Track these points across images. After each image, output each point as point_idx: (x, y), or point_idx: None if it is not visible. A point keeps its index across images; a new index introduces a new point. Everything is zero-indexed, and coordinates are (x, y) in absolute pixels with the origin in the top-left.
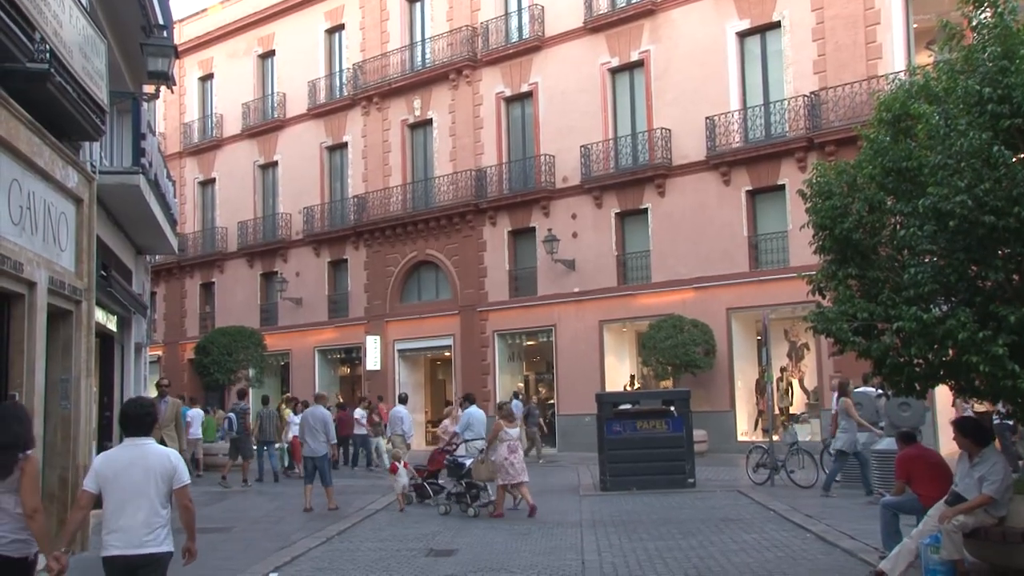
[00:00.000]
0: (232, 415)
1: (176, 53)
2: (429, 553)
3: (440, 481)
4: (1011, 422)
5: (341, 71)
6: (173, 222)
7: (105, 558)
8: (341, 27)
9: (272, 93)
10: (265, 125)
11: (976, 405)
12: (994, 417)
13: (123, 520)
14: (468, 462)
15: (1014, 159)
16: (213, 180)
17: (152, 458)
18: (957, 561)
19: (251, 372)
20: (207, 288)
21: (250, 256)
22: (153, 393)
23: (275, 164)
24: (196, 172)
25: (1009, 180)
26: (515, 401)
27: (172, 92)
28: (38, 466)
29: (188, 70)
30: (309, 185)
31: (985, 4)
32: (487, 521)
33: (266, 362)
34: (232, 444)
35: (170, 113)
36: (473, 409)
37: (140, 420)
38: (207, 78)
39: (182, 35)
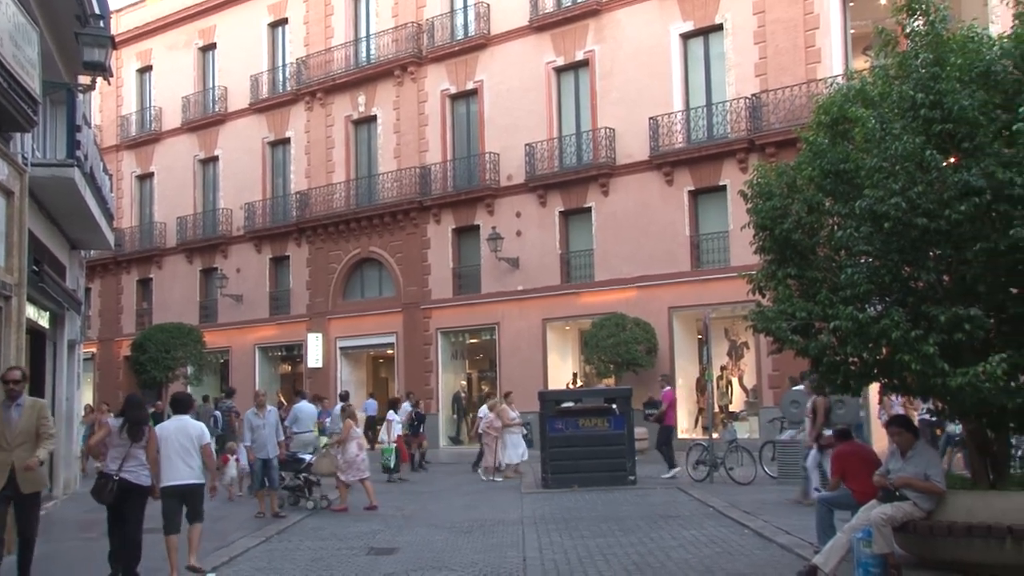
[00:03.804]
0: (217, 413)
1: (113, 44)
2: (370, 552)
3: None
4: (934, 418)
5: (284, 66)
6: (109, 216)
7: (163, 487)
8: (284, 21)
9: (213, 87)
10: (205, 119)
11: (906, 404)
12: (924, 414)
13: (171, 463)
14: (308, 457)
15: (944, 163)
16: (151, 174)
17: (189, 427)
18: (887, 554)
19: (189, 369)
20: (144, 284)
21: (189, 252)
22: (87, 395)
23: (216, 159)
24: (134, 166)
25: (940, 184)
26: (368, 400)
27: (109, 84)
28: (155, 434)
29: (126, 61)
30: (251, 181)
31: (918, 12)
32: (429, 520)
33: (205, 359)
34: (217, 441)
35: (107, 105)
36: (303, 404)
37: (182, 405)
38: (145, 70)
39: (119, 25)
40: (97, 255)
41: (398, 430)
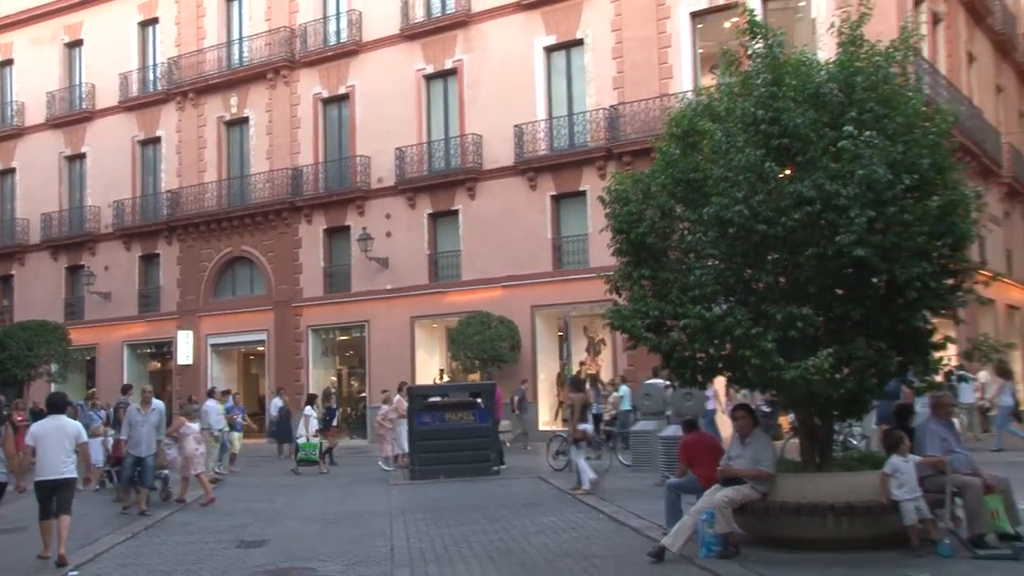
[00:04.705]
0: (92, 413)
1: None
2: (240, 545)
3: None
4: (768, 409)
5: (155, 65)
6: None
7: (36, 482)
8: (155, 21)
9: (80, 83)
10: (72, 116)
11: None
12: (763, 405)
13: (47, 460)
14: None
15: (781, 175)
16: (12, 170)
17: (67, 426)
18: (728, 533)
19: (53, 367)
20: (5, 281)
21: (54, 249)
22: None
23: (83, 156)
24: None
25: (777, 193)
26: (209, 401)
27: None
28: (11, 431)
29: None
30: (120, 178)
31: (758, 36)
32: (299, 512)
33: (70, 357)
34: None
35: None
36: (153, 402)
37: (58, 406)
38: (6, 64)
39: None
40: None
41: (315, 425)
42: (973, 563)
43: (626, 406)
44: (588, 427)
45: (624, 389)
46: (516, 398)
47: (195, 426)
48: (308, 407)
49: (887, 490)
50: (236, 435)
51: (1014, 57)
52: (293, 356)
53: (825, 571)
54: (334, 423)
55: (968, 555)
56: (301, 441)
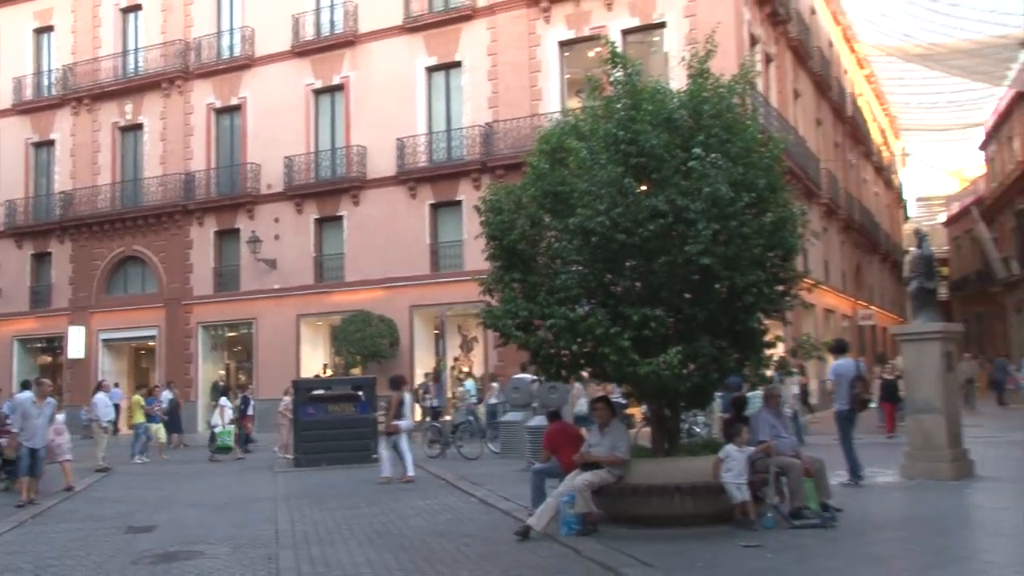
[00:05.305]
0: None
1: None
2: (128, 531)
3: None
4: (624, 401)
5: (50, 71)
6: None
7: None
8: (51, 28)
9: None
10: None
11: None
12: (618, 397)
13: None
14: (3, 441)
15: (638, 190)
16: None
17: None
18: (587, 513)
19: None
20: None
21: None
22: None
23: None
24: None
25: (635, 206)
26: (98, 394)
27: None
28: None
29: None
30: (12, 179)
31: (619, 65)
32: (187, 499)
33: None
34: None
35: None
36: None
37: None
38: None
39: None
40: None
41: (230, 415)
42: (790, 532)
43: (472, 399)
44: (403, 423)
45: (470, 384)
46: (421, 391)
47: (60, 416)
48: (224, 398)
49: (717, 472)
50: (156, 426)
51: (830, 95)
52: (183, 351)
53: (671, 544)
54: (249, 411)
55: (787, 526)
56: (218, 430)
